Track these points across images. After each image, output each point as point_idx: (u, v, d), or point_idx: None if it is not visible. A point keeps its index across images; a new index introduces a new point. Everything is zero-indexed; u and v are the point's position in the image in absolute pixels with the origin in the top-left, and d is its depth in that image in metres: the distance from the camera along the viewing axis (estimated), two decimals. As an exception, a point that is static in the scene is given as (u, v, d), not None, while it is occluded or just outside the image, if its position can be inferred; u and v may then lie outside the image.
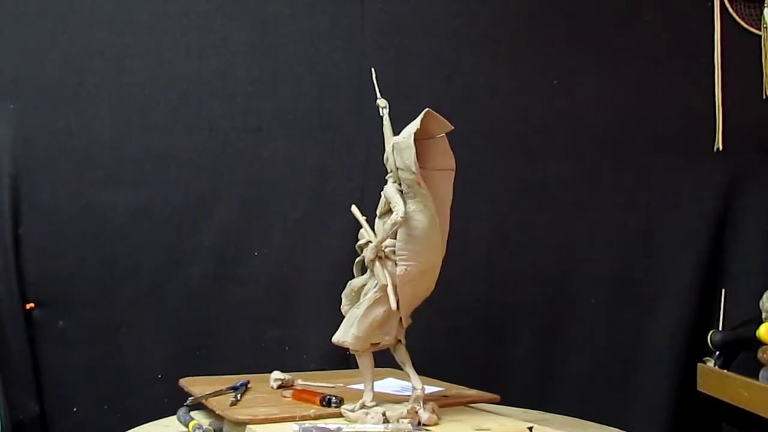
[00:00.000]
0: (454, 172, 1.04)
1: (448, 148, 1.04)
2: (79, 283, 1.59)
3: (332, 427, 0.95)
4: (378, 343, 1.05)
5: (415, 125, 0.98)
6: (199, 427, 1.00)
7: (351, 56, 1.69)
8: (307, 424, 0.97)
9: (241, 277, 1.63)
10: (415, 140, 1.06)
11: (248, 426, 0.98)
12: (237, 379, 1.22)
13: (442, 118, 1.01)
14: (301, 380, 1.25)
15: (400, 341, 1.06)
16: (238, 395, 1.14)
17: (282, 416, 1.02)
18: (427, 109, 1.00)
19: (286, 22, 1.68)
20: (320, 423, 0.98)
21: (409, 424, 0.97)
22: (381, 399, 1.07)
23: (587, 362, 1.65)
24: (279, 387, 1.23)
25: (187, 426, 1.03)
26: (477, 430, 0.96)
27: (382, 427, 0.97)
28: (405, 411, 1.01)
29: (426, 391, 1.13)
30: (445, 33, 1.72)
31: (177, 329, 1.60)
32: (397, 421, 1.00)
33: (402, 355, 1.06)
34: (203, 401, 1.13)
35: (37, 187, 1.59)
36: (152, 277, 1.61)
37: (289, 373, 1.26)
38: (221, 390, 1.17)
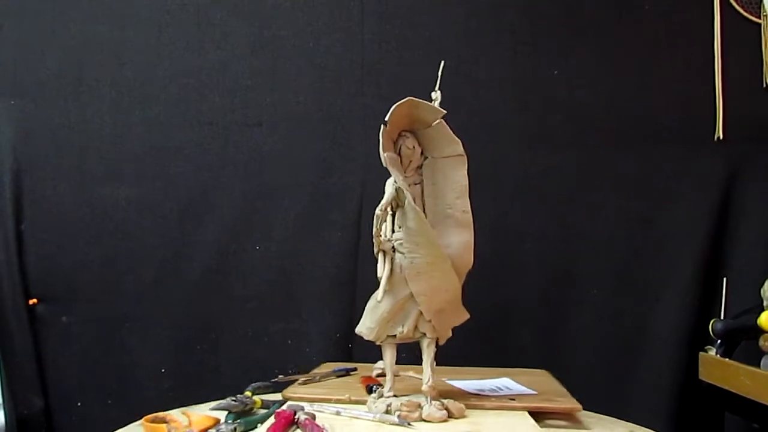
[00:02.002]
0: (464, 158, 1.04)
1: (450, 134, 1.04)
2: (82, 278, 1.59)
3: (332, 409, 1.05)
4: (395, 335, 1.07)
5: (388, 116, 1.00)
6: (234, 397, 1.07)
7: (351, 49, 1.69)
8: (314, 405, 1.06)
9: (243, 271, 1.63)
10: (414, 130, 1.08)
11: (288, 401, 1.11)
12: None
13: (431, 104, 1.01)
14: (412, 372, 1.28)
15: (424, 334, 1.07)
16: (318, 377, 1.24)
17: (318, 397, 1.11)
18: (408, 98, 1.01)
19: (285, 15, 1.68)
20: (331, 405, 1.07)
21: (396, 417, 1.00)
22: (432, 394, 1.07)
23: (590, 352, 1.65)
24: (377, 375, 1.28)
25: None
26: None
27: (371, 415, 1.03)
28: (399, 403, 1.03)
29: (510, 392, 1.16)
30: (444, 24, 1.72)
31: (180, 323, 1.61)
32: (393, 412, 1.02)
33: (423, 349, 1.07)
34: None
35: (38, 182, 1.59)
36: (154, 271, 1.61)
37: (405, 365, 1.29)
38: (316, 373, 1.28)
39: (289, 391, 1.16)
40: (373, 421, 1.03)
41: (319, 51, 1.69)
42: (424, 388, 1.05)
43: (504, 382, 1.24)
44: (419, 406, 1.03)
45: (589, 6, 1.74)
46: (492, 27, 1.72)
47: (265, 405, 1.09)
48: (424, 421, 1.02)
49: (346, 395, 1.11)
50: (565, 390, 1.20)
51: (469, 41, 1.72)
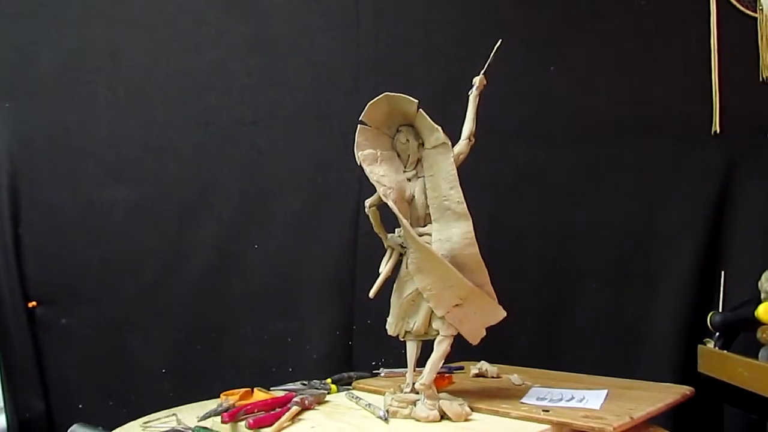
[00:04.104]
0: (448, 145, 1.04)
1: (430, 123, 1.04)
2: (81, 280, 1.59)
3: (355, 396, 1.18)
4: (409, 332, 1.09)
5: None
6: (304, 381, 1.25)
7: (346, 47, 1.69)
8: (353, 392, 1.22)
9: (242, 271, 1.63)
10: (410, 124, 1.08)
11: (354, 389, 1.26)
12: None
13: (405, 96, 1.03)
14: (516, 375, 1.31)
15: (438, 332, 1.07)
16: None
17: (374, 388, 1.22)
18: (384, 93, 1.01)
19: (281, 14, 1.68)
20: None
21: (382, 410, 1.05)
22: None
23: (589, 346, 1.66)
24: (474, 375, 1.34)
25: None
26: None
27: (368, 408, 1.10)
28: (390, 399, 1.07)
29: (579, 404, 1.08)
30: (440, 21, 1.72)
31: (180, 324, 1.61)
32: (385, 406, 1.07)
33: (434, 345, 1.07)
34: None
35: (35, 185, 1.59)
36: (153, 272, 1.61)
37: (515, 366, 1.36)
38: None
39: (358, 383, 1.28)
40: (366, 410, 1.09)
41: (315, 49, 1.69)
42: (417, 385, 1.05)
43: (590, 393, 1.15)
44: (413, 404, 1.04)
45: (586, 1, 1.74)
46: (488, 23, 1.72)
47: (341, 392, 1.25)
48: (412, 418, 1.03)
49: (392, 389, 1.13)
50: (645, 411, 1.05)
51: (465, 37, 1.71)
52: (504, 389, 1.23)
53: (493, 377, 1.34)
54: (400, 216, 1.02)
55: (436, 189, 1.05)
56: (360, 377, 1.32)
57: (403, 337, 1.10)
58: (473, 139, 1.10)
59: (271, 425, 1.01)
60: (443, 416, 1.03)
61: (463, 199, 1.04)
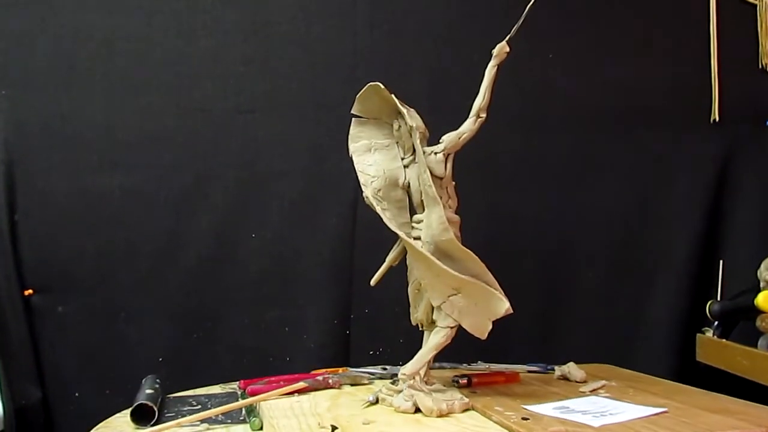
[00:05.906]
0: (413, 128, 1.03)
1: (399, 107, 1.04)
2: (77, 268, 1.58)
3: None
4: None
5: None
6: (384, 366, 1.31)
7: (343, 34, 1.68)
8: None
9: (239, 259, 1.63)
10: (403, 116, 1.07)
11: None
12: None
13: (378, 83, 1.05)
14: (603, 382, 1.20)
15: (434, 322, 1.06)
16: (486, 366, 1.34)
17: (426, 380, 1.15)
18: (369, 83, 1.04)
19: (277, 2, 1.67)
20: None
21: (372, 396, 1.06)
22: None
23: (586, 335, 1.66)
24: (558, 377, 1.29)
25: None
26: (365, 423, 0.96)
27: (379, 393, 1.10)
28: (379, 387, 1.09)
29: (594, 419, 0.95)
30: (437, 9, 1.71)
31: (176, 312, 1.60)
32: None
33: (431, 336, 1.07)
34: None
35: (31, 172, 1.58)
36: (150, 260, 1.60)
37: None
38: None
39: (401, 367, 1.25)
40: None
41: (311, 37, 1.67)
42: (399, 374, 1.05)
43: (635, 408, 1.01)
44: (398, 392, 1.04)
45: (584, -12, 1.73)
46: (486, 10, 1.70)
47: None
48: (396, 408, 1.03)
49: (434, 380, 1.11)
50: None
51: (462, 25, 1.70)
52: (547, 393, 1.13)
53: (576, 381, 1.23)
54: (375, 206, 1.02)
55: (421, 174, 1.04)
56: (441, 368, 1.31)
57: (422, 328, 1.10)
58: (483, 116, 1.04)
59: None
60: (418, 409, 1.01)
61: (431, 183, 1.00)
